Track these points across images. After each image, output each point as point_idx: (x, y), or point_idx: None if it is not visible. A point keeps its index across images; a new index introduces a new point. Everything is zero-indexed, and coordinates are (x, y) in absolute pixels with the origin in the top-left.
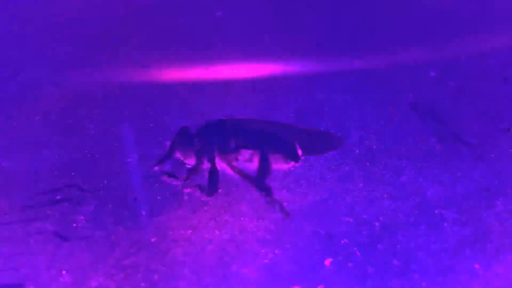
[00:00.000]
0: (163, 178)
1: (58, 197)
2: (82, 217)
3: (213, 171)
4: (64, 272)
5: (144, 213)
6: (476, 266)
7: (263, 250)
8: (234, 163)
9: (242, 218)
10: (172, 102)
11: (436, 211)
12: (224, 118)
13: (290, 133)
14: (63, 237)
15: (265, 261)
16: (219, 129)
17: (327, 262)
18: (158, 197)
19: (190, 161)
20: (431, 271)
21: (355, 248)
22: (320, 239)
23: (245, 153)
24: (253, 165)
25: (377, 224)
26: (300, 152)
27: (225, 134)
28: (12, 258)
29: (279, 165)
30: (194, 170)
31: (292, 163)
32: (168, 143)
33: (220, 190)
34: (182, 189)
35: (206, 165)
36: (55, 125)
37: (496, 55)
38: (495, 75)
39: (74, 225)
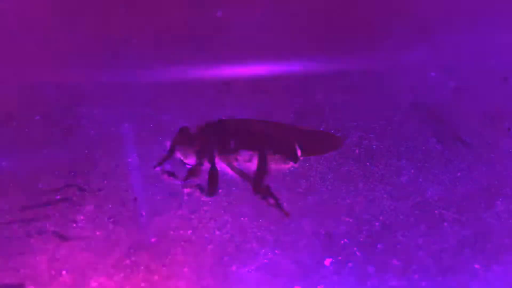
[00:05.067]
0: (163, 178)
1: (58, 197)
2: (82, 217)
3: (213, 171)
4: (64, 272)
5: (144, 213)
6: (476, 266)
7: (263, 250)
8: (234, 164)
9: (242, 218)
10: (172, 102)
11: (436, 211)
12: (224, 118)
13: (290, 133)
14: (63, 237)
15: (265, 261)
16: (219, 129)
17: (327, 262)
18: (158, 197)
19: (190, 161)
20: (431, 271)
21: (355, 248)
22: (320, 239)
23: (245, 154)
24: (253, 165)
25: (377, 224)
26: (299, 152)
27: (225, 134)
28: (12, 258)
29: (278, 166)
30: (194, 170)
31: (291, 163)
32: (168, 143)
33: (220, 190)
34: (182, 189)
35: (206, 165)
36: (55, 125)
37: (496, 55)
38: (495, 75)
39: (74, 225)
